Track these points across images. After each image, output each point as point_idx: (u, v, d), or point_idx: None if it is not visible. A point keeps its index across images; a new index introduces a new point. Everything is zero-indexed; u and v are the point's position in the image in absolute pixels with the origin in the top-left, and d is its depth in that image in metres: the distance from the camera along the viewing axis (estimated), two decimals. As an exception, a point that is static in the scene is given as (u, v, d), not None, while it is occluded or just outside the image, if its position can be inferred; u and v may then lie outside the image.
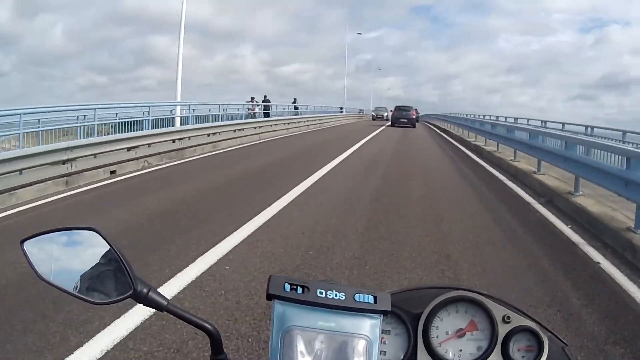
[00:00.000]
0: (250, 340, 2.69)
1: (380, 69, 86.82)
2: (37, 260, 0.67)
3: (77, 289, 0.66)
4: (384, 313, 0.60)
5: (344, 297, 0.59)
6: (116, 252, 0.67)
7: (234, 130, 15.14)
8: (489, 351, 0.79)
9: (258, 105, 23.16)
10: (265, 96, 24.45)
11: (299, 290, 0.59)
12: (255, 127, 17.56)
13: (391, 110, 36.48)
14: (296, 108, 28.14)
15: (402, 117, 31.06)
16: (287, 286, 0.59)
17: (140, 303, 0.66)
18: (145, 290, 0.66)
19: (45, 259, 0.68)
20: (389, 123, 33.85)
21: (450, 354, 0.79)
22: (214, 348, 0.68)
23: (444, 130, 26.27)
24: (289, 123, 22.22)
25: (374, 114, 46.35)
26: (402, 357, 0.79)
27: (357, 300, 0.59)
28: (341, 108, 43.42)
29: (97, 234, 0.68)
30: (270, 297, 0.59)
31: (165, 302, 0.66)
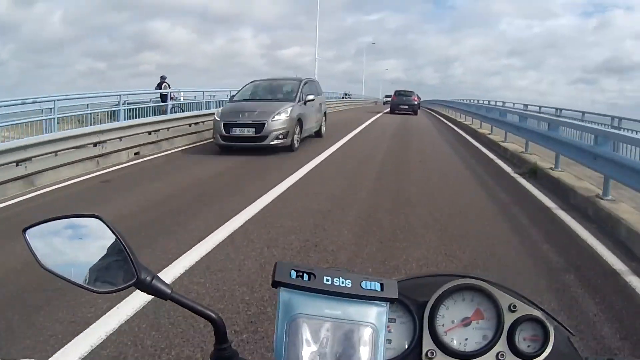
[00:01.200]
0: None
1: (374, 43, 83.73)
2: (39, 249, 0.66)
3: (80, 277, 0.65)
4: (390, 301, 0.60)
5: (350, 285, 0.59)
6: (120, 240, 0.66)
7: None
8: (494, 340, 0.79)
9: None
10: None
11: (305, 277, 0.58)
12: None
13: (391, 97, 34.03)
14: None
15: (403, 103, 28.50)
16: (294, 273, 0.58)
17: (144, 291, 0.66)
18: (148, 278, 0.65)
19: (48, 247, 0.67)
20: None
21: (456, 343, 0.80)
22: (218, 337, 0.67)
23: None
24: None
25: (383, 100, 43.42)
26: (407, 346, 0.79)
27: (364, 287, 0.59)
28: (345, 94, 40.18)
29: (101, 222, 0.67)
30: (275, 284, 0.58)
31: (169, 291, 0.66)
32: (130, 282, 0.64)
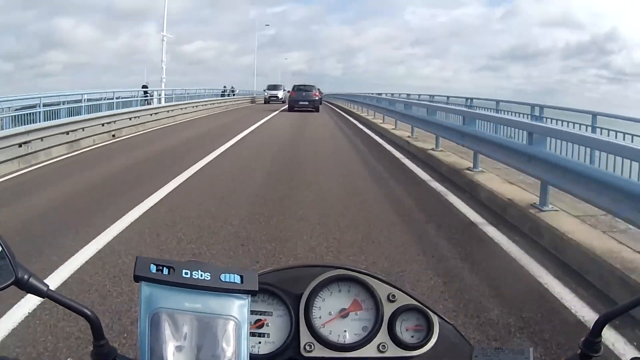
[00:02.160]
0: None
1: (268, 25, 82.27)
2: None
3: None
4: (251, 293, 0.60)
5: (209, 277, 0.59)
6: None
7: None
8: (374, 331, 0.79)
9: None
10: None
11: (165, 271, 0.59)
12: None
13: (288, 91, 31.62)
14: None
15: (302, 100, 25.88)
16: (154, 267, 0.59)
17: (22, 289, 0.64)
18: (26, 277, 0.63)
19: None
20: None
21: (334, 335, 0.79)
22: (95, 334, 0.66)
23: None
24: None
25: (266, 95, 37.74)
26: (284, 340, 0.79)
27: (223, 280, 0.59)
28: (226, 90, 33.49)
29: None
30: (137, 278, 0.59)
31: (45, 288, 0.64)
32: (10, 282, 0.63)
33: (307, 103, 25.64)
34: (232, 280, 0.60)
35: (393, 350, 0.79)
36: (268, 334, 0.79)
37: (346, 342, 0.79)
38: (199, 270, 0.59)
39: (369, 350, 0.78)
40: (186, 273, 0.59)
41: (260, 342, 0.79)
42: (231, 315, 0.59)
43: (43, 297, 0.64)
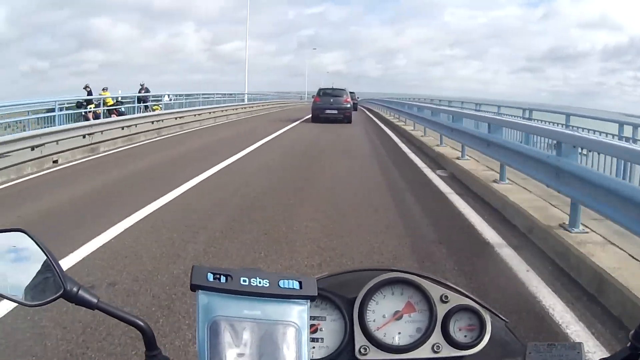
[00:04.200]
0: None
1: (315, 49, 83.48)
2: None
3: (9, 291, 0.65)
4: (310, 298, 0.60)
5: (268, 284, 0.59)
6: (45, 252, 0.66)
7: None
8: (428, 332, 0.79)
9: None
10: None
11: (222, 279, 0.58)
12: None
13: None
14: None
15: (330, 107, 20.01)
16: (210, 275, 0.59)
17: (71, 302, 0.65)
18: (75, 289, 0.65)
19: None
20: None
21: (389, 337, 0.80)
22: (148, 344, 0.67)
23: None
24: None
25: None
26: (339, 344, 0.79)
27: (282, 286, 0.59)
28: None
29: (25, 235, 0.67)
30: (194, 287, 0.58)
31: (95, 300, 0.66)
32: (58, 294, 0.64)
33: (335, 112, 19.96)
34: (290, 287, 0.59)
35: (447, 351, 0.79)
36: (322, 339, 0.80)
37: (401, 344, 0.79)
38: (257, 277, 0.59)
39: (424, 351, 0.79)
40: (244, 280, 0.59)
41: (314, 347, 0.79)
42: (291, 321, 0.58)
43: (93, 309, 0.65)
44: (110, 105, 16.23)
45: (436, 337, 0.80)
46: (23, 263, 0.67)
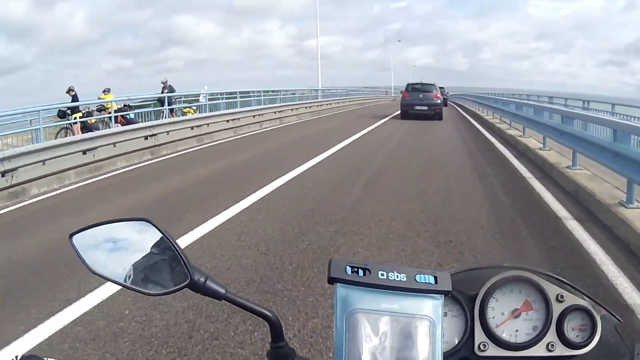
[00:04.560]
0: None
1: (399, 41, 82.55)
2: (87, 254, 0.66)
3: (132, 280, 0.65)
4: (445, 293, 0.60)
5: (405, 279, 0.59)
6: (171, 242, 0.66)
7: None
8: (544, 331, 0.80)
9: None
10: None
11: (361, 272, 0.59)
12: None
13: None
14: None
15: (419, 103, 19.23)
16: (349, 269, 0.59)
17: (198, 292, 0.66)
18: (202, 279, 0.65)
19: (96, 252, 0.67)
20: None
21: (507, 334, 0.80)
22: (274, 335, 0.67)
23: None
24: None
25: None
26: (459, 339, 0.80)
27: (419, 281, 0.59)
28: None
29: (149, 224, 0.68)
30: (332, 280, 0.59)
31: (223, 291, 0.66)
32: (184, 284, 0.65)
33: (425, 108, 19.11)
34: (426, 281, 0.60)
35: (560, 350, 0.80)
36: (442, 334, 0.76)
37: (518, 342, 0.80)
38: (395, 272, 0.60)
39: (539, 349, 0.80)
40: (382, 274, 0.59)
41: None
42: (427, 315, 0.59)
43: (220, 300, 0.66)
44: (115, 111, 11.76)
45: (551, 335, 0.80)
46: (146, 252, 0.67)
